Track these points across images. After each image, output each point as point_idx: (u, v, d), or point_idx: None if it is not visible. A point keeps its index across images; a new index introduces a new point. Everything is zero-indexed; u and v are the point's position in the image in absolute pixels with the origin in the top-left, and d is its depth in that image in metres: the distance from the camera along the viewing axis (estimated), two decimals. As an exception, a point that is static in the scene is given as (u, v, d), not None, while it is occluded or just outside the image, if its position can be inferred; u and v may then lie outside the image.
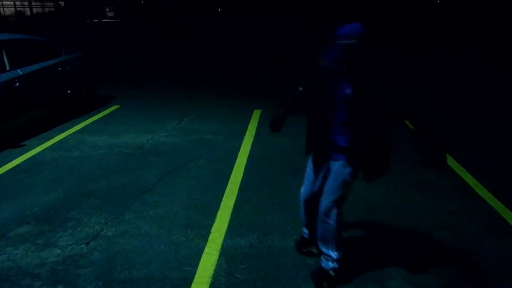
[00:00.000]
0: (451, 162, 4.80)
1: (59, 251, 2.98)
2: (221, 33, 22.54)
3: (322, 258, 2.69)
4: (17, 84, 5.20)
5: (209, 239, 3.15)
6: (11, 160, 4.66)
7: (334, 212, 2.54)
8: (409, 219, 3.50)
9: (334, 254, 2.62)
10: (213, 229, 3.29)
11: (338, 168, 2.51)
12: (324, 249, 2.66)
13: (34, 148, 5.08)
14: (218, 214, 3.53)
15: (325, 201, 2.55)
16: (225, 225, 3.35)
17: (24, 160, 4.68)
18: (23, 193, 3.88)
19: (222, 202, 3.74)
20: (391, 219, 3.50)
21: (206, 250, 3.01)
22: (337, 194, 2.53)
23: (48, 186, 4.02)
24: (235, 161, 4.73)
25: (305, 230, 2.96)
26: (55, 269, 2.78)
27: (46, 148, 5.09)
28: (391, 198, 3.89)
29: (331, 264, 2.64)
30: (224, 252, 3.00)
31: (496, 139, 5.71)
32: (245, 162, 4.72)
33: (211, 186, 4.07)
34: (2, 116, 5.00)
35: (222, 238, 3.17)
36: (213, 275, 2.74)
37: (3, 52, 5.17)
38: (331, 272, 2.63)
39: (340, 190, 2.52)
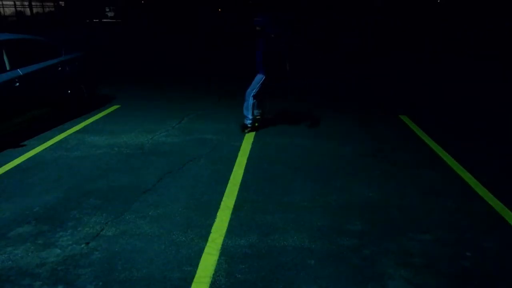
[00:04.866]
0: (451, 161, 4.80)
1: (59, 251, 2.98)
2: (221, 33, 22.53)
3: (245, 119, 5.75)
4: (17, 84, 5.20)
5: (209, 239, 3.15)
6: (11, 160, 4.66)
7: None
8: (409, 219, 3.50)
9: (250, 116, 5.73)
10: (213, 229, 3.29)
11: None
12: (245, 113, 5.75)
13: (34, 148, 5.08)
14: (218, 214, 3.53)
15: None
16: (225, 225, 3.36)
17: (24, 160, 4.68)
18: (23, 193, 3.88)
19: (222, 202, 3.74)
20: (391, 219, 3.50)
21: (206, 250, 3.01)
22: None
23: (48, 186, 4.02)
24: (235, 161, 4.73)
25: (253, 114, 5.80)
26: (55, 269, 2.78)
27: (46, 148, 5.09)
28: (391, 198, 3.89)
29: (248, 121, 5.75)
30: (224, 252, 3.00)
31: (497, 138, 5.72)
32: (245, 162, 4.72)
33: (211, 186, 4.07)
34: (2, 116, 5.00)
35: (222, 238, 3.17)
36: (213, 275, 2.74)
37: (3, 52, 5.17)
38: (249, 125, 5.78)
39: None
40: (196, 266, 2.82)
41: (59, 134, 5.65)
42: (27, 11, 33.22)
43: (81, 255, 2.93)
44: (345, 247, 3.07)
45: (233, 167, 4.55)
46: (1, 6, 31.27)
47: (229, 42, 19.55)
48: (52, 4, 37.76)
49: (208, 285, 2.64)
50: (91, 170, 4.44)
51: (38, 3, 35.51)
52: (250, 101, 5.67)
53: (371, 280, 2.71)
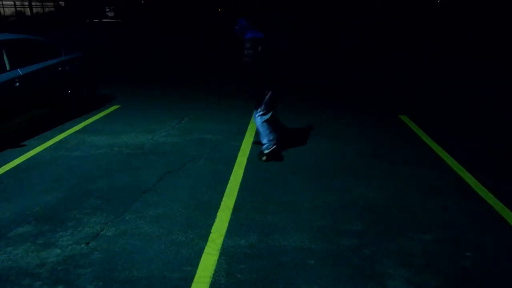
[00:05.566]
0: (451, 161, 4.80)
1: (59, 251, 2.98)
2: (221, 33, 22.53)
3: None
4: (17, 84, 5.20)
5: (209, 239, 3.15)
6: (11, 160, 4.66)
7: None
8: (409, 219, 3.50)
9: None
10: (213, 229, 3.29)
11: None
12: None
13: (34, 148, 5.08)
14: (218, 214, 3.53)
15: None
16: (225, 225, 3.36)
17: (24, 160, 4.68)
18: (23, 193, 3.88)
19: (222, 202, 3.74)
20: (391, 219, 3.50)
21: (206, 250, 3.01)
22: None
23: (48, 186, 4.02)
24: (235, 161, 4.73)
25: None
26: (55, 269, 2.78)
27: (46, 148, 5.09)
28: (391, 198, 3.89)
29: (264, 146, 4.69)
30: (224, 252, 3.00)
31: (497, 138, 5.72)
32: (245, 162, 4.72)
33: (211, 186, 4.07)
34: (2, 116, 5.00)
35: (222, 238, 3.17)
36: (213, 275, 2.74)
37: (3, 52, 5.17)
38: (265, 151, 4.71)
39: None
40: (196, 266, 2.82)
41: (59, 134, 5.65)
42: (27, 11, 33.22)
43: (81, 255, 2.93)
44: (345, 247, 3.07)
45: (233, 167, 4.54)
46: (1, 6, 31.26)
47: (229, 42, 19.55)
48: (52, 4, 37.76)
49: (208, 285, 2.64)
50: (91, 170, 4.44)
51: (38, 3, 35.51)
52: (259, 124, 4.68)
53: (371, 280, 2.71)
